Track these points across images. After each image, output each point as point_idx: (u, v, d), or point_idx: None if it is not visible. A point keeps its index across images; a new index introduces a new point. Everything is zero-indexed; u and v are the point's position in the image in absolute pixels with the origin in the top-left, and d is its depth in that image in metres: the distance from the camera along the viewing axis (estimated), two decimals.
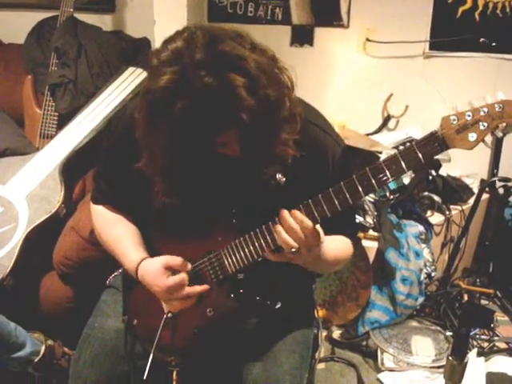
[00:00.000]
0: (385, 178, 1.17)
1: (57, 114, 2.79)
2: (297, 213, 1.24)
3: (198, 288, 1.44)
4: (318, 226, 1.26)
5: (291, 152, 1.25)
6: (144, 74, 2.66)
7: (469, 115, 1.09)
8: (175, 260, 1.45)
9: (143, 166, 1.29)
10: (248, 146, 1.19)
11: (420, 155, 1.12)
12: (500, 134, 1.07)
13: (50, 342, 2.13)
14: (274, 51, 1.23)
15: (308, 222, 1.23)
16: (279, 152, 1.24)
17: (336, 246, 1.47)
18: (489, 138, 1.12)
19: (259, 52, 1.18)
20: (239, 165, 1.21)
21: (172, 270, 1.44)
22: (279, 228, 1.26)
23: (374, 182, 1.18)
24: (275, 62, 1.22)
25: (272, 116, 1.17)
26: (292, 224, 1.24)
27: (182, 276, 1.43)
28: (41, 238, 2.30)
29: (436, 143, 1.12)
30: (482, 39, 3.23)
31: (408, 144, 1.13)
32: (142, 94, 1.20)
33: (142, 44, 3.04)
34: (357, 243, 1.60)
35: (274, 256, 1.30)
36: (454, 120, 1.10)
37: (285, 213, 1.25)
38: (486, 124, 1.08)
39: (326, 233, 1.31)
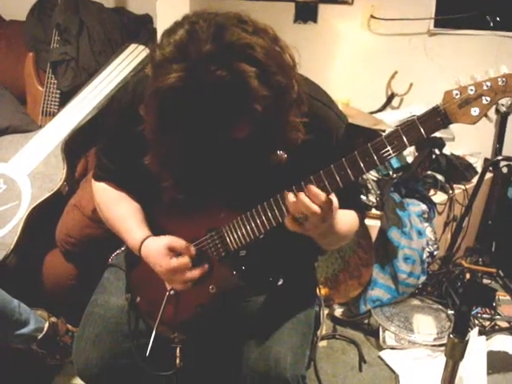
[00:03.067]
0: (387, 153, 1.16)
1: (59, 91, 2.77)
2: (311, 186, 1.21)
3: (198, 271, 1.44)
4: (332, 196, 1.23)
5: (301, 136, 1.24)
6: (146, 51, 2.65)
7: (471, 89, 1.08)
8: (179, 243, 1.45)
9: (150, 162, 1.28)
10: (259, 132, 1.18)
11: (422, 130, 1.11)
12: (504, 109, 1.06)
13: (53, 318, 2.14)
14: (274, 29, 1.20)
15: (322, 195, 1.20)
16: (289, 136, 1.23)
17: (346, 220, 1.45)
18: (493, 116, 1.11)
19: (262, 34, 1.15)
20: (246, 146, 1.20)
21: (176, 252, 1.45)
22: (291, 198, 1.23)
23: (375, 157, 1.17)
24: (277, 41, 1.19)
25: (282, 101, 1.16)
26: (303, 197, 1.21)
27: (185, 259, 1.43)
28: (43, 216, 2.30)
29: (438, 118, 1.11)
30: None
31: (410, 119, 1.12)
32: (150, 94, 1.16)
33: (143, 20, 3.01)
34: (364, 218, 1.60)
35: (293, 224, 1.26)
36: (457, 94, 1.09)
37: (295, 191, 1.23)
38: (488, 98, 1.07)
39: None
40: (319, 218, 1.22)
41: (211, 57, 1.08)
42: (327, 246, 1.55)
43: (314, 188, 1.20)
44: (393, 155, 1.16)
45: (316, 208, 1.20)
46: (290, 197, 1.23)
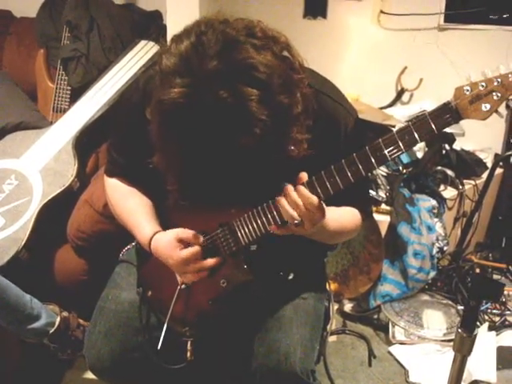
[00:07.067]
0: (398, 149, 1.16)
1: (69, 87, 2.78)
2: (301, 188, 1.24)
3: (211, 261, 1.45)
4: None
5: (303, 152, 1.24)
6: (156, 48, 2.65)
7: (482, 85, 1.08)
8: (187, 233, 1.45)
9: (156, 162, 1.29)
10: (262, 143, 1.17)
11: (433, 126, 1.12)
12: None
13: (64, 313, 2.15)
14: (286, 36, 1.21)
15: (312, 198, 1.23)
16: (291, 152, 1.23)
17: (341, 217, 1.46)
18: (504, 111, 1.12)
19: (272, 44, 1.16)
20: (250, 151, 1.19)
21: (185, 243, 1.45)
22: (283, 202, 1.26)
23: (386, 153, 1.17)
24: (287, 48, 1.20)
25: (283, 120, 1.16)
26: (296, 199, 1.24)
27: (196, 249, 1.44)
28: (55, 212, 2.32)
29: (449, 114, 1.11)
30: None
31: (421, 115, 1.12)
32: (153, 103, 1.17)
33: (153, 17, 3.01)
34: (368, 216, 1.59)
35: (280, 230, 1.31)
36: (468, 90, 1.09)
37: (289, 188, 1.25)
38: (499, 94, 1.07)
39: (338, 204, 1.31)
40: (308, 219, 1.25)
41: (215, 75, 1.08)
42: (324, 242, 1.56)
43: (303, 190, 1.23)
44: (404, 150, 1.16)
45: (305, 210, 1.24)
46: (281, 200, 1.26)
